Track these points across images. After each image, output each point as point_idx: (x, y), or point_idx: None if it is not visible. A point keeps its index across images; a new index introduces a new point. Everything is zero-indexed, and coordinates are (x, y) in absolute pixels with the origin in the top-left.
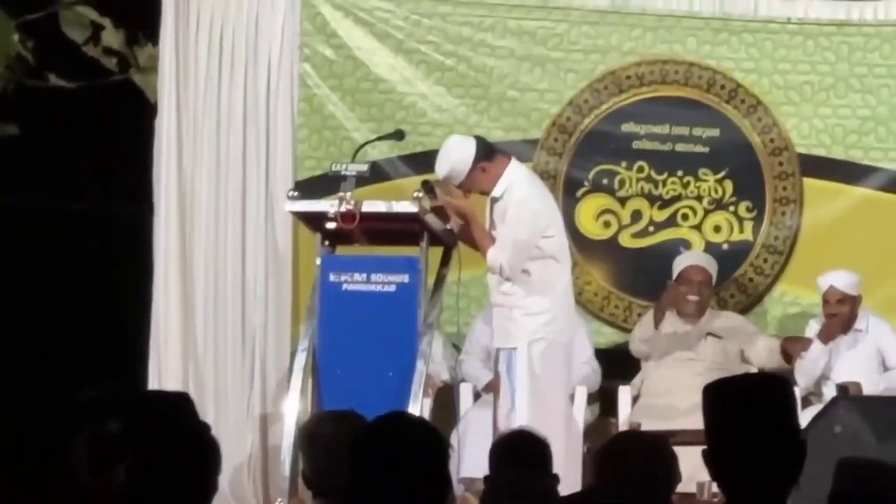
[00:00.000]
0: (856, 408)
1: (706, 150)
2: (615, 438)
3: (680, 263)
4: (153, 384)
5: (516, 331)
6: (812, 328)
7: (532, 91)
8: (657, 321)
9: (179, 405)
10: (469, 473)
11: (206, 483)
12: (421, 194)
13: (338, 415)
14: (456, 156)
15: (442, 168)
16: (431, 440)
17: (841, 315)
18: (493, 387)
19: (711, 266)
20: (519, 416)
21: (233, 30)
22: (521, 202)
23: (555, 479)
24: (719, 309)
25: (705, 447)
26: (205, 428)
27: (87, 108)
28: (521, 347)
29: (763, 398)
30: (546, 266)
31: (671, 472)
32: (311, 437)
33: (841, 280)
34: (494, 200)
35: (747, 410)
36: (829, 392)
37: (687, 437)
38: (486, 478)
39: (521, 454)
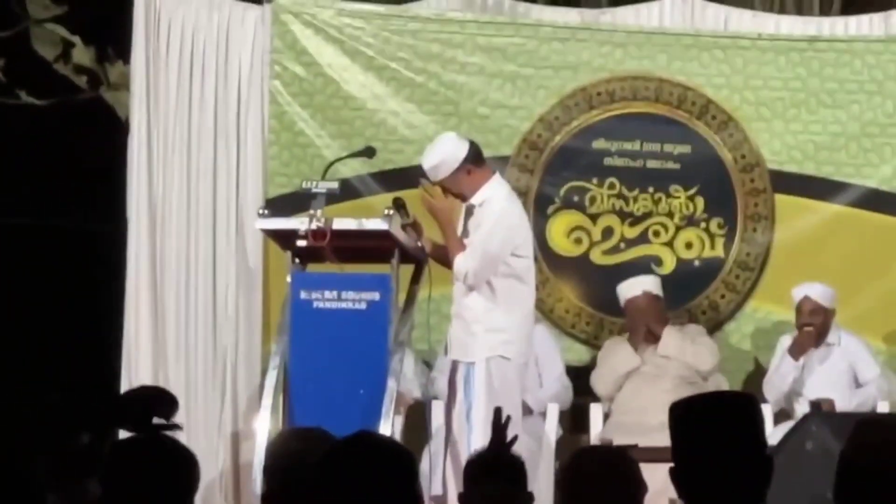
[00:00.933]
0: (828, 424)
1: (677, 166)
2: (572, 455)
3: (621, 298)
4: None
5: (474, 345)
6: (783, 344)
7: (502, 108)
8: (636, 345)
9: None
10: (441, 492)
11: (184, 500)
12: (392, 212)
13: (304, 432)
14: (448, 150)
15: (430, 159)
16: (400, 459)
17: (814, 327)
18: (448, 396)
19: (650, 284)
20: (475, 435)
21: (203, 47)
22: (500, 214)
23: (530, 497)
24: (688, 322)
25: (672, 465)
26: (180, 445)
27: (57, 125)
28: (480, 363)
29: (729, 416)
30: (511, 286)
31: (631, 481)
32: (277, 454)
33: (816, 291)
34: (471, 209)
35: (713, 428)
36: (802, 409)
37: (659, 454)
38: (460, 495)
39: (495, 472)
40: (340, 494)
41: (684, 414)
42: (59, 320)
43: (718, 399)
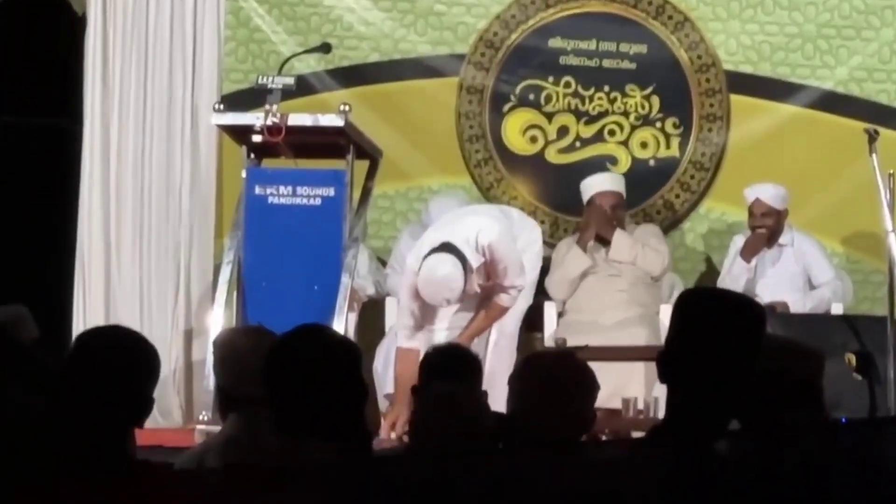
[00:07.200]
0: (781, 326)
1: (633, 66)
2: (522, 362)
3: (588, 189)
4: (78, 298)
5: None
6: (736, 244)
7: (459, 5)
8: (584, 246)
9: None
10: (394, 390)
11: (142, 394)
12: (347, 107)
13: (247, 329)
14: None
15: None
16: (343, 350)
17: (766, 228)
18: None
19: (619, 184)
20: None
21: None
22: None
23: (484, 395)
24: (643, 222)
25: (662, 350)
26: (142, 337)
27: (14, 20)
28: None
29: (741, 321)
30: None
31: (580, 384)
32: (222, 350)
33: (767, 193)
34: None
35: (722, 326)
36: None
37: (612, 353)
38: (413, 388)
39: (450, 368)
40: (286, 384)
41: (698, 303)
42: (14, 216)
43: (738, 301)
